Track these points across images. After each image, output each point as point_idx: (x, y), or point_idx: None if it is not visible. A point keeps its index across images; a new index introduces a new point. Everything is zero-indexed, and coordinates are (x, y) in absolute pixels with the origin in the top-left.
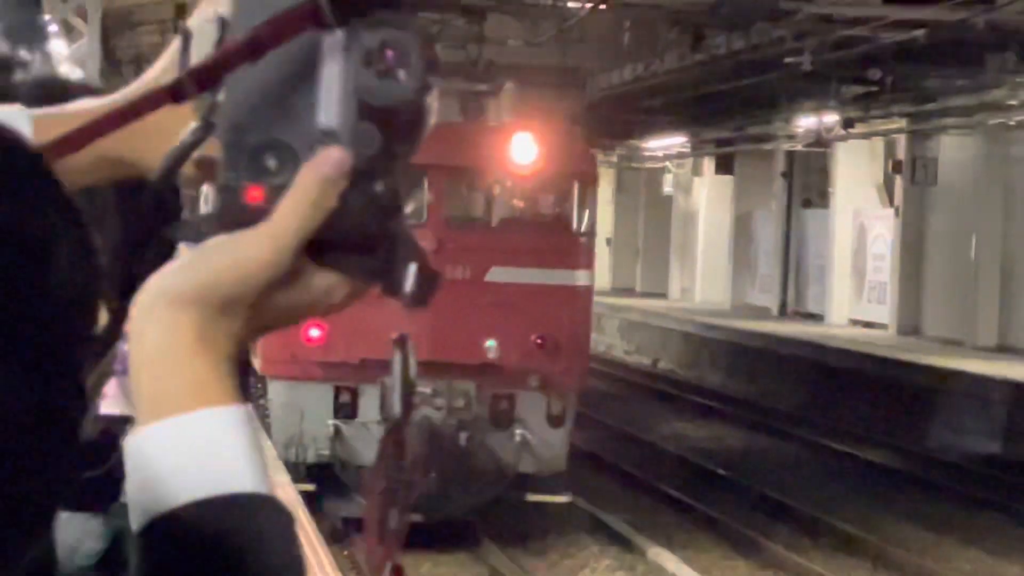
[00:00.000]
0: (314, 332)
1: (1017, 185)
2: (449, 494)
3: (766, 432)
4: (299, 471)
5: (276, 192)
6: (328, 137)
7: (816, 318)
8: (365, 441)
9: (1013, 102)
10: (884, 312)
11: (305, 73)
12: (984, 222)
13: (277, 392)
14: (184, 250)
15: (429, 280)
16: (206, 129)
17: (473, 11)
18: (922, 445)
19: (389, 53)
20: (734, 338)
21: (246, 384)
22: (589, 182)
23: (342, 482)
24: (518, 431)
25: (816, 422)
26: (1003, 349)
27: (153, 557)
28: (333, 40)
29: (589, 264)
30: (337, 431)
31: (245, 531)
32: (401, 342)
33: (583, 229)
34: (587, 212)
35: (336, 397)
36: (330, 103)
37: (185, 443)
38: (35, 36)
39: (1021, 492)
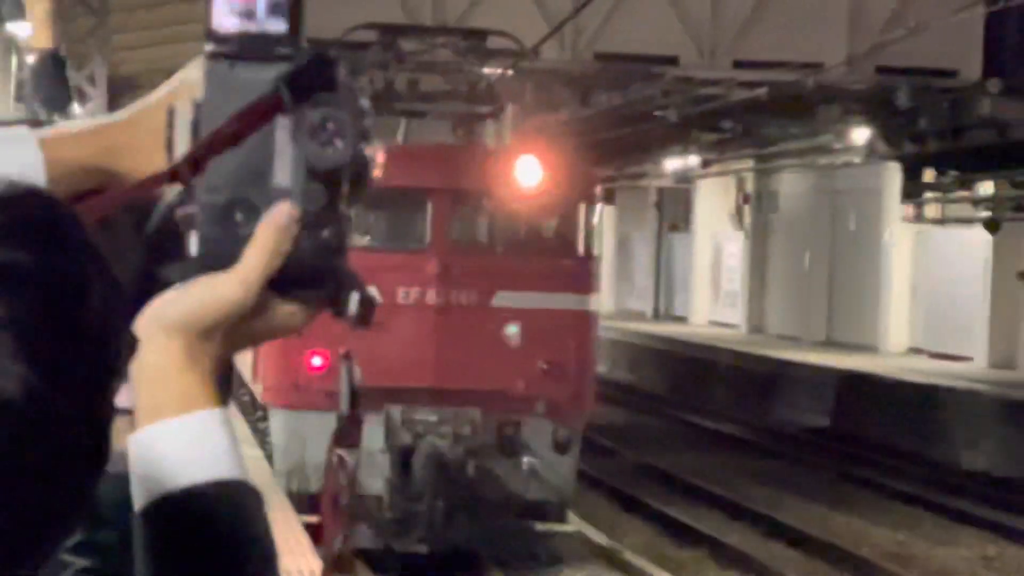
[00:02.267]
0: (316, 361)
1: (840, 212)
2: (456, 523)
3: (644, 411)
4: (302, 502)
5: (243, 240)
6: (282, 195)
7: (682, 319)
8: (369, 470)
9: (838, 146)
10: (736, 314)
11: (263, 144)
12: (815, 242)
13: (279, 421)
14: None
15: (368, 304)
16: (187, 192)
17: (476, 35)
18: (766, 420)
19: (329, 126)
20: (618, 336)
21: (229, 383)
22: (592, 204)
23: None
24: (525, 458)
25: (683, 402)
26: (830, 343)
27: (153, 532)
28: (285, 118)
29: (594, 288)
30: (341, 460)
31: (229, 510)
32: (347, 357)
33: (588, 252)
34: (591, 235)
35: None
36: (283, 167)
37: (178, 440)
38: (64, 104)
39: (843, 456)
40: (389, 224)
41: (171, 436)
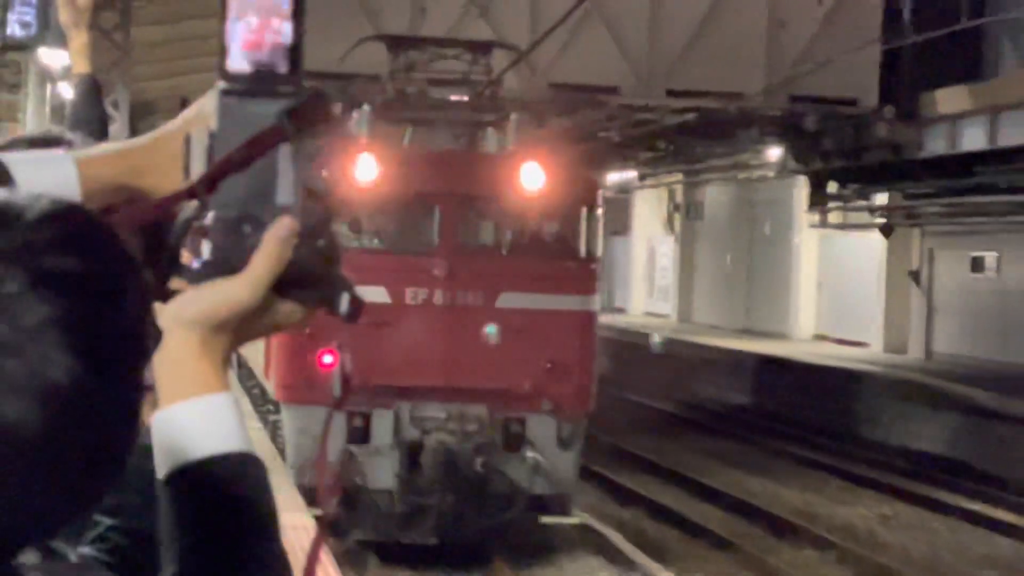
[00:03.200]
0: (328, 359)
1: (757, 219)
2: (464, 517)
3: None
4: (313, 495)
5: (251, 249)
6: (284, 211)
7: (622, 310)
8: (378, 465)
9: (755, 163)
10: (668, 306)
11: (268, 168)
12: (735, 244)
13: (291, 418)
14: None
15: (357, 304)
16: (202, 207)
17: (479, 47)
18: (695, 398)
19: (326, 151)
20: None
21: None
22: (593, 209)
23: (356, 506)
24: (530, 454)
25: (621, 382)
26: (747, 331)
27: (176, 496)
28: (286, 145)
29: (595, 289)
30: (350, 456)
31: (240, 477)
32: (340, 348)
33: (589, 255)
34: (592, 238)
35: (349, 422)
36: (285, 187)
37: (196, 418)
38: (104, 126)
39: (762, 430)
40: (399, 227)
41: (190, 415)
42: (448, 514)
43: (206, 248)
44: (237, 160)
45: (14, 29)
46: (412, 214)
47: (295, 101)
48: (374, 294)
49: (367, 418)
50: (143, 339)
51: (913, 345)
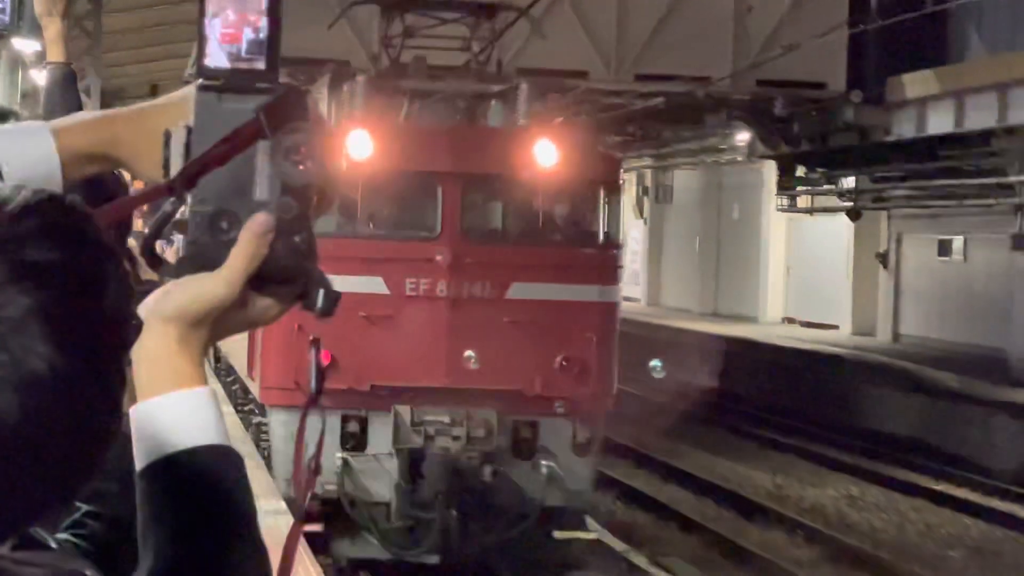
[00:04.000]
0: None
1: (726, 203)
2: (471, 534)
3: None
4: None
5: (228, 245)
6: (261, 207)
7: None
8: (375, 475)
9: (723, 147)
10: (638, 290)
11: (245, 164)
12: (704, 229)
13: (279, 422)
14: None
15: (333, 299)
16: (179, 201)
17: (484, 10)
18: (663, 381)
19: (301, 149)
20: None
21: None
22: (614, 190)
23: (351, 520)
24: (543, 462)
25: None
26: (715, 315)
27: (155, 486)
28: (264, 141)
29: (616, 279)
30: (345, 464)
31: (216, 469)
32: (315, 343)
33: (609, 241)
34: (613, 222)
35: (344, 427)
36: (262, 184)
37: (175, 411)
38: (68, 112)
39: (729, 411)
40: (396, 211)
41: (169, 408)
42: (452, 530)
43: (184, 243)
44: (215, 157)
45: None
46: (412, 196)
47: (272, 97)
48: (370, 285)
49: (363, 422)
50: (124, 329)
51: (881, 328)
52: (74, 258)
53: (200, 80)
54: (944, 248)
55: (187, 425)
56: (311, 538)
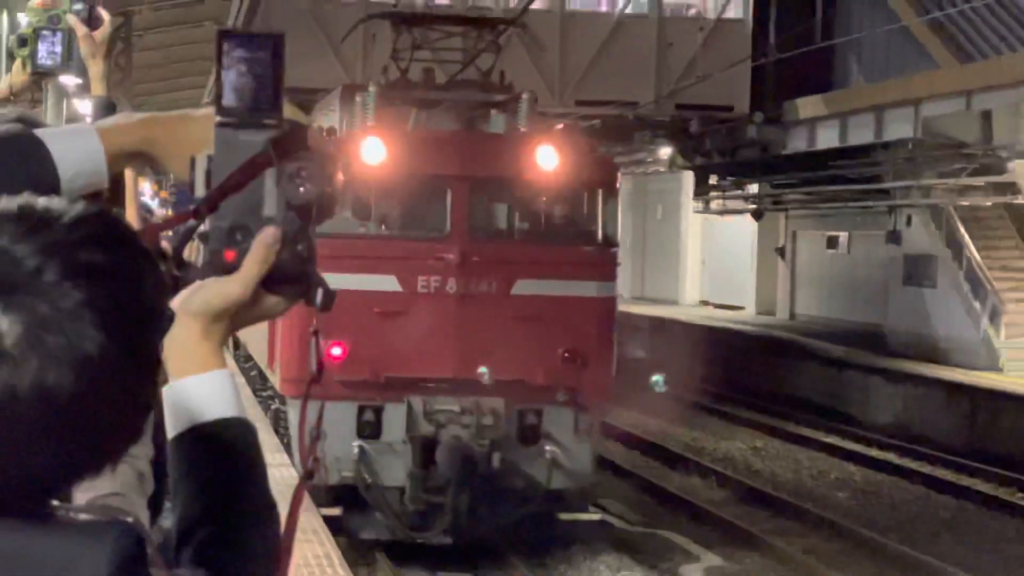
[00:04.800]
0: (336, 351)
1: (651, 206)
2: (481, 516)
3: None
4: (319, 493)
5: (242, 253)
6: (269, 221)
7: None
8: (390, 462)
9: (649, 160)
10: None
11: (256, 186)
12: (633, 227)
13: (298, 412)
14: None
15: (330, 296)
16: (198, 216)
17: (487, 24)
18: None
19: (303, 174)
20: None
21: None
22: (612, 192)
23: (367, 503)
24: (547, 448)
25: None
26: (640, 298)
27: (185, 451)
28: (272, 168)
29: (614, 276)
30: (362, 451)
31: (234, 436)
32: (315, 333)
33: (607, 239)
34: (610, 222)
35: (359, 416)
36: (270, 202)
37: (202, 389)
38: None
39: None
40: (407, 212)
41: (196, 387)
42: (462, 513)
43: (206, 252)
44: (233, 184)
45: (44, 59)
46: (422, 198)
47: (278, 132)
48: (384, 283)
49: (378, 412)
50: (159, 319)
51: (780, 308)
52: (117, 260)
53: (218, 117)
54: (831, 242)
55: (211, 401)
56: (330, 520)
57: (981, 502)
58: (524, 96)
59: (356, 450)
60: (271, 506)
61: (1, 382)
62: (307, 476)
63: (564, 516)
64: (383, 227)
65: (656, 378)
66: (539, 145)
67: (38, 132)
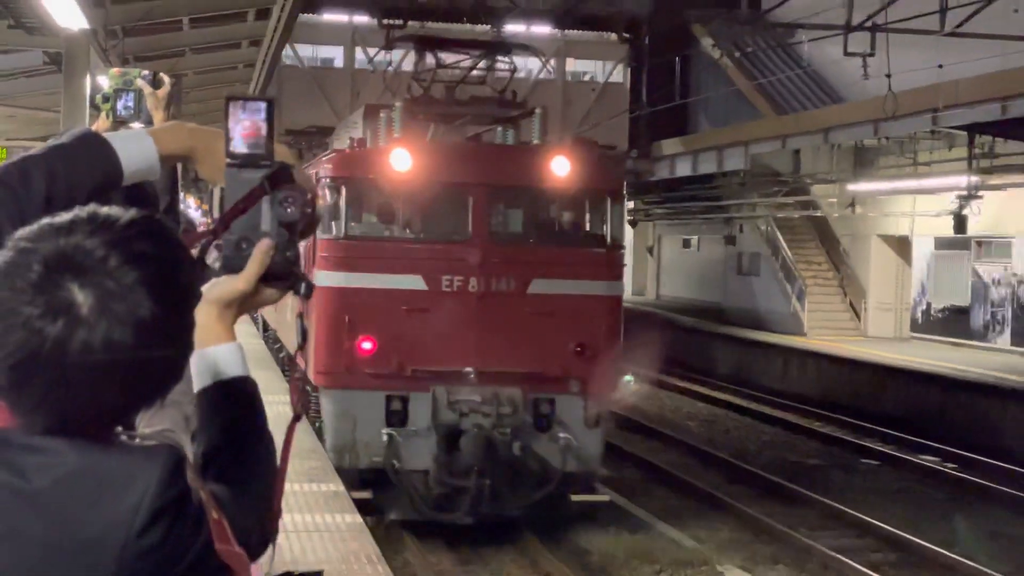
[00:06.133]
0: (366, 345)
1: None
2: (501, 497)
3: None
4: (352, 477)
5: (246, 258)
6: (265, 235)
7: None
8: (416, 447)
9: None
10: None
11: (256, 210)
12: None
13: (331, 401)
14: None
15: (310, 288)
16: (215, 234)
17: (501, 48)
18: None
19: (289, 200)
20: None
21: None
22: (618, 199)
23: (395, 486)
24: (561, 434)
25: None
26: None
27: (211, 400)
28: (267, 196)
29: (620, 275)
30: (390, 438)
31: (244, 389)
32: (300, 317)
33: (614, 242)
34: (617, 226)
35: (388, 405)
36: (266, 221)
37: (218, 356)
38: (166, 169)
39: None
40: (432, 217)
41: (215, 353)
42: (484, 495)
43: (220, 258)
44: (239, 209)
45: (121, 111)
46: (446, 204)
47: (271, 171)
48: (411, 282)
49: (405, 402)
50: (194, 293)
51: (649, 290)
52: (161, 251)
53: (228, 160)
54: (686, 244)
55: (227, 364)
56: (360, 503)
57: (790, 429)
58: (537, 111)
59: (385, 437)
60: (270, 440)
61: (80, 339)
62: (296, 419)
63: (576, 498)
64: (409, 231)
65: (627, 378)
66: (554, 156)
67: (107, 135)
